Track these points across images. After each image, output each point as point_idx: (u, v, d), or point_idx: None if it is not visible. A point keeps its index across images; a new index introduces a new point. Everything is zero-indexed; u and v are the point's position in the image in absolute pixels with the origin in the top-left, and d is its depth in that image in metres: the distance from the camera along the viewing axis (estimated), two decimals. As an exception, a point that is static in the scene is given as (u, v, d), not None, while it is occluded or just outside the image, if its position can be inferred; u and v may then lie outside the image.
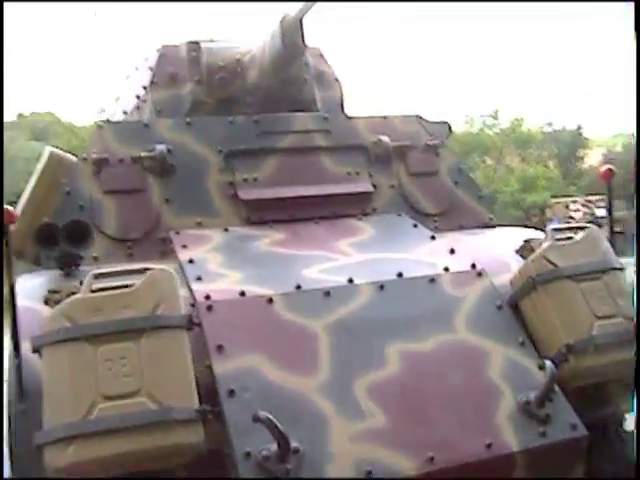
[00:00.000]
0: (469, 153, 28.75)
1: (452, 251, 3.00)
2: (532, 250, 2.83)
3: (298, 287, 2.62)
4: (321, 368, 2.39)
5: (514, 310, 2.77)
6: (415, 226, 3.30)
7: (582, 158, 35.40)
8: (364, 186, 3.50)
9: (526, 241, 2.94)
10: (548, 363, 2.43)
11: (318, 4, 3.05)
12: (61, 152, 3.70)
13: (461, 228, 3.57)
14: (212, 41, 4.14)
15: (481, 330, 2.64)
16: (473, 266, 2.87)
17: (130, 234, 3.11)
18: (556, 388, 2.49)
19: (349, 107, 4.25)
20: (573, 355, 2.53)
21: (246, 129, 3.48)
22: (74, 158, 3.46)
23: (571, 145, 33.64)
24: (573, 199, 27.56)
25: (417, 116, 3.87)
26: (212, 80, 3.72)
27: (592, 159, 39.88)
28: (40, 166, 3.73)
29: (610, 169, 3.00)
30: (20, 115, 37.23)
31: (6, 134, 28.67)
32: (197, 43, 3.85)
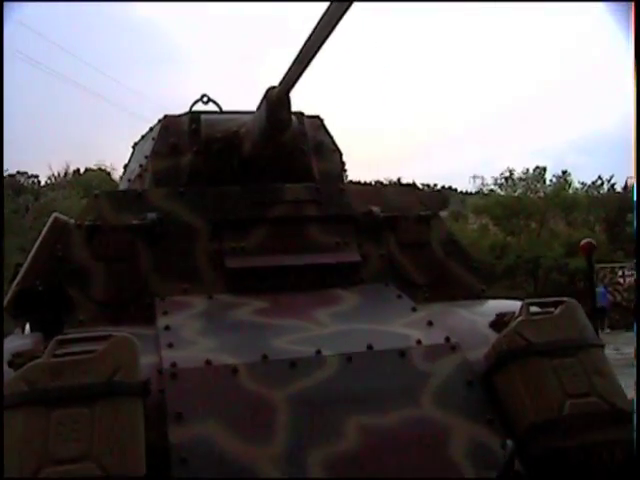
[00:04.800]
0: (511, 217, 28.52)
1: (430, 323, 2.98)
2: (505, 324, 2.79)
3: (264, 357, 2.64)
4: (277, 439, 2.38)
5: (488, 386, 2.72)
6: (399, 297, 3.30)
7: (631, 222, 34.62)
8: (352, 256, 3.53)
9: (499, 315, 2.90)
10: (509, 442, 2.36)
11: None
12: (65, 218, 3.86)
13: (452, 299, 3.55)
14: (220, 111, 4.33)
15: (448, 406, 2.59)
16: (447, 339, 2.84)
17: (117, 299, 3.20)
18: (520, 468, 2.42)
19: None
20: (541, 435, 2.46)
21: (237, 199, 3.58)
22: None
23: (619, 209, 33.01)
24: (620, 265, 26.90)
25: (412, 185, 3.92)
26: (210, 151, 3.85)
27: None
28: (44, 230, 3.89)
29: (590, 242, 2.97)
30: (75, 172, 38.70)
31: (60, 192, 29.90)
32: (198, 114, 4.01)
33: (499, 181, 30.78)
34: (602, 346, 2.78)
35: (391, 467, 2.37)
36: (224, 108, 4.45)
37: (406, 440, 2.45)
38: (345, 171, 4.42)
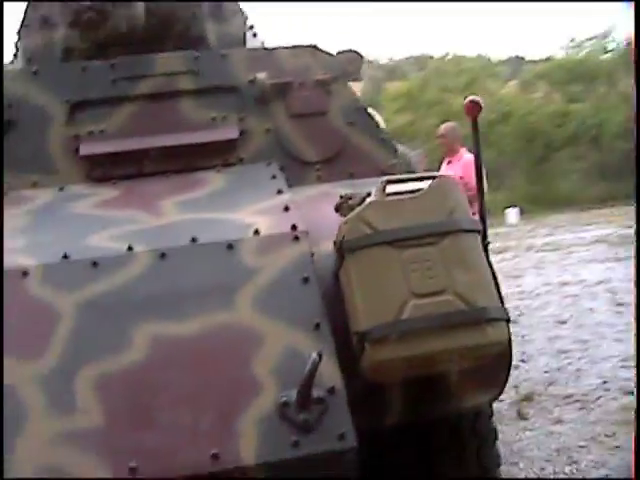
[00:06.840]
0: (574, 81, 26.48)
1: (286, 209, 2.51)
2: (351, 208, 2.26)
3: (65, 256, 2.27)
4: (49, 354, 2.03)
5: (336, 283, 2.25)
6: (274, 177, 2.83)
7: None
8: (228, 132, 3.04)
9: (344, 197, 2.32)
10: (313, 355, 1.93)
11: None
12: None
13: (351, 177, 3.05)
14: None
15: (269, 309, 2.14)
16: (294, 227, 2.37)
17: None
18: (339, 385, 2.00)
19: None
20: (369, 344, 1.97)
21: (100, 75, 3.11)
22: None
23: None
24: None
25: (313, 46, 3.31)
26: (81, 22, 3.35)
27: None
28: None
29: (473, 100, 2.35)
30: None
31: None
32: None
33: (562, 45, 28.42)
34: (477, 231, 2.21)
35: (175, 385, 2.00)
36: None
37: (204, 352, 2.06)
38: (255, 35, 3.84)
